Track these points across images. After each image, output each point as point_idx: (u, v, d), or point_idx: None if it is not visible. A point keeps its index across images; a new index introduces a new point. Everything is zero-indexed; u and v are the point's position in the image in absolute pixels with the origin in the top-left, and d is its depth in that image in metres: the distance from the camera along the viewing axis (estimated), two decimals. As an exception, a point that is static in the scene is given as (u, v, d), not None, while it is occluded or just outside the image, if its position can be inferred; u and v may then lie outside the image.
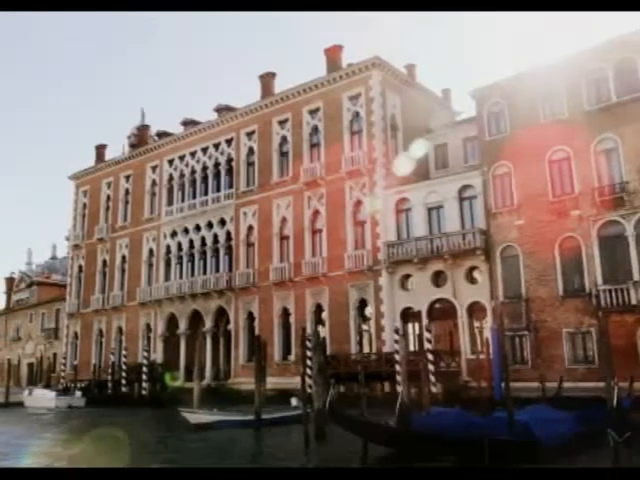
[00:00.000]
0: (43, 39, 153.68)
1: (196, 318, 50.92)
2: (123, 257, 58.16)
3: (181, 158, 54.95)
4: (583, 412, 19.92)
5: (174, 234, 53.92)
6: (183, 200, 54.21)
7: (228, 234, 50.14)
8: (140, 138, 62.48)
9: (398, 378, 32.21)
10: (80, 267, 62.40)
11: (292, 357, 43.30)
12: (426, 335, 33.40)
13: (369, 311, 41.14)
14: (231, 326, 48.42)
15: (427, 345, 32.86)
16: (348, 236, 42.43)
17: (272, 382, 37.05)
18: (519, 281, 35.39)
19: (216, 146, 52.43)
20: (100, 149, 64.37)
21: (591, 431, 18.50)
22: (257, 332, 42.57)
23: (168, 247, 54.30)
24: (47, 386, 57.97)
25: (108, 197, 61.17)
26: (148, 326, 54.36)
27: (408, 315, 38.98)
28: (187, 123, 56.60)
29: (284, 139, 47.95)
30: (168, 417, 34.39)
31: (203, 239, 51.86)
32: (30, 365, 72.91)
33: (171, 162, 55.73)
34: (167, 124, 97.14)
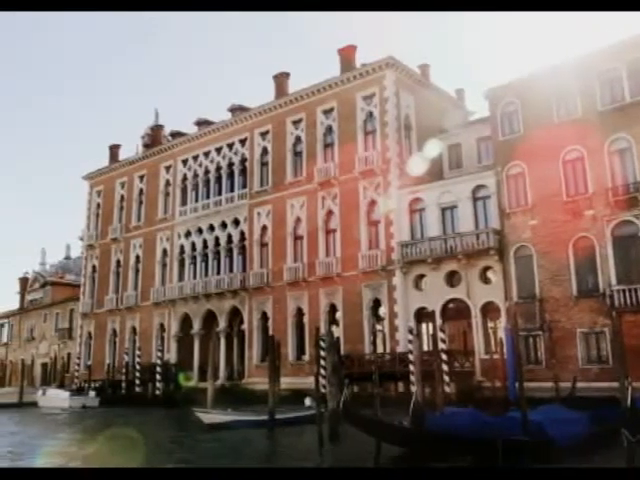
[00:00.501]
0: (50, 39, 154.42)
1: (210, 318, 51.03)
2: (137, 257, 58.40)
3: (195, 158, 55.11)
4: (597, 412, 19.81)
5: (188, 234, 54.07)
6: (197, 200, 54.39)
7: (242, 234, 50.22)
8: (154, 138, 62.66)
9: (412, 378, 32.20)
10: (94, 267, 62.67)
11: (306, 357, 43.38)
12: (440, 335, 33.26)
13: (383, 311, 41.08)
14: (245, 326, 48.47)
15: (441, 345, 32.73)
16: (362, 236, 42.43)
17: (286, 382, 37.19)
18: (533, 281, 35.29)
19: (230, 146, 52.54)
20: (114, 149, 64.63)
21: (605, 431, 18.41)
22: (271, 332, 42.60)
23: (182, 247, 54.46)
24: (61, 386, 57.89)
25: (122, 197, 61.41)
26: (162, 326, 54.55)
27: (422, 315, 38.95)
28: (201, 123, 56.75)
29: (298, 139, 48.01)
30: (182, 417, 34.49)
31: (217, 239, 51.97)
32: (44, 365, 73.13)
33: (185, 162, 55.90)
34: (181, 124, 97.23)
